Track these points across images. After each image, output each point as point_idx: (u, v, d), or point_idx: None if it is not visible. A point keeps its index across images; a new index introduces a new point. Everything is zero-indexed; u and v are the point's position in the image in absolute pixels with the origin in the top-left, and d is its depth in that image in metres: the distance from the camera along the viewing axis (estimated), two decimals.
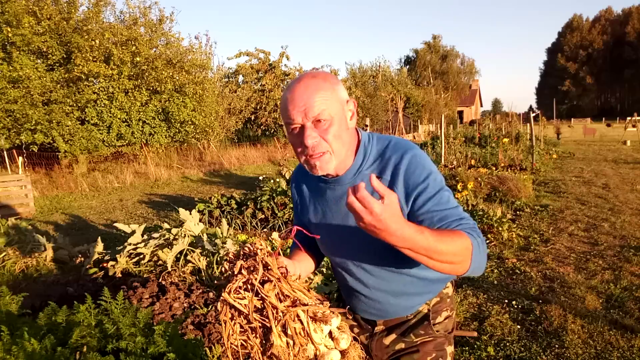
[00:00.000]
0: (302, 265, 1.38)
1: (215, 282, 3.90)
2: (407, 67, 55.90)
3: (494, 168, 10.26)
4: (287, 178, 8.11)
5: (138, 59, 13.16)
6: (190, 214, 4.78)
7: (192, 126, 15.18)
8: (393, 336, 1.40)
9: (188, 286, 3.72)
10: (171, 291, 3.53)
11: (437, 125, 26.14)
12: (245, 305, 1.02)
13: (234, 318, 1.04)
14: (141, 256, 4.49)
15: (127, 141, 14.00)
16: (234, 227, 6.14)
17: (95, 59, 12.34)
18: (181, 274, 4.00)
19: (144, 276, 4.26)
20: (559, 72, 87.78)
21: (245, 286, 1.03)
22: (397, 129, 24.58)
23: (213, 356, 2.01)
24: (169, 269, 4.08)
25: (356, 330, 1.47)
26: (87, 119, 12.97)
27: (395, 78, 35.61)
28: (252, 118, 21.58)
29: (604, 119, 56.56)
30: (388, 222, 0.90)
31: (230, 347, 1.04)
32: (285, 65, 22.37)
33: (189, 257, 4.18)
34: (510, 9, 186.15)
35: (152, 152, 14.85)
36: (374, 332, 1.43)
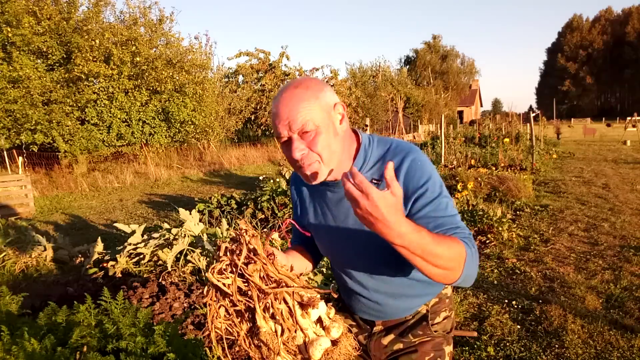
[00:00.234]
0: (297, 261, 1.38)
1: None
2: (407, 67, 55.90)
3: (494, 168, 10.26)
4: (287, 178, 8.11)
5: (138, 59, 13.16)
6: (190, 214, 4.78)
7: (192, 126, 15.18)
8: (391, 336, 1.41)
9: (188, 286, 3.72)
10: (171, 291, 3.53)
11: (437, 125, 26.14)
12: (228, 285, 1.01)
13: (219, 301, 1.03)
14: (141, 256, 4.50)
15: (127, 141, 14.00)
16: (234, 227, 6.14)
17: (95, 59, 12.34)
18: (181, 274, 4.00)
19: (144, 276, 4.26)
20: (559, 72, 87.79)
21: (230, 268, 1.02)
22: (397, 129, 24.59)
23: (213, 356, 2.01)
24: (169, 269, 4.08)
25: (355, 330, 1.47)
26: (87, 119, 12.97)
27: (395, 78, 35.62)
28: (252, 118, 21.58)
29: (604, 119, 56.57)
30: (384, 211, 0.88)
31: (215, 330, 1.03)
32: (285, 65, 22.38)
33: (189, 257, 4.19)
34: (510, 9, 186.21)
35: (152, 152, 14.85)
36: (373, 332, 1.44)
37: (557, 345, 3.04)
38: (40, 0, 12.07)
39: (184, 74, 14.45)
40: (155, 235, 4.65)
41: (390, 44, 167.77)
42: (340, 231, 1.32)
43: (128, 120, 13.74)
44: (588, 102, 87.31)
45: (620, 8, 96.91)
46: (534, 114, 13.08)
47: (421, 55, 61.71)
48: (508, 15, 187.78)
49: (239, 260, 1.02)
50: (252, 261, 1.03)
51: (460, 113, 53.57)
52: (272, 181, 7.74)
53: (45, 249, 4.90)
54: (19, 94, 11.07)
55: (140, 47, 13.13)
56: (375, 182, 1.24)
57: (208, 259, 4.21)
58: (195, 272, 4.11)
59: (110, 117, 13.22)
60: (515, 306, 3.67)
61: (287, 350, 1.04)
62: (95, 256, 4.65)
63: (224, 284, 1.02)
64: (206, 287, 1.05)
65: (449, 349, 1.41)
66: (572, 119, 60.67)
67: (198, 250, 4.25)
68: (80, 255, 4.95)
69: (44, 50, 11.99)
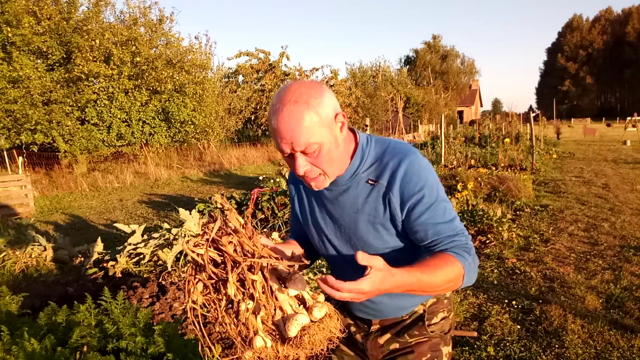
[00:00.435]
0: (288, 249, 1.38)
1: None
2: (407, 67, 55.87)
3: (494, 168, 10.26)
4: (287, 178, 8.09)
5: (138, 59, 13.16)
6: (190, 214, 4.78)
7: (192, 126, 15.18)
8: (388, 336, 1.40)
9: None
10: (171, 291, 3.53)
11: (437, 125, 26.14)
12: (202, 256, 1.02)
13: (197, 275, 1.03)
14: (141, 256, 4.50)
15: (127, 141, 14.00)
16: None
17: (95, 59, 12.34)
18: (181, 274, 4.00)
19: (144, 276, 4.26)
20: (559, 72, 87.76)
21: (207, 243, 1.03)
22: (397, 129, 24.59)
23: (213, 356, 2.01)
24: (169, 269, 4.08)
25: (353, 329, 1.47)
26: (87, 119, 12.97)
27: (395, 78, 35.61)
28: (252, 118, 21.57)
29: (604, 119, 56.55)
30: (380, 288, 0.98)
31: (192, 305, 1.03)
32: (285, 65, 22.39)
33: (189, 257, 4.18)
34: (511, 9, 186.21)
35: (152, 152, 14.85)
36: (370, 331, 1.44)
37: (557, 345, 3.04)
38: (40, 0, 12.07)
39: (184, 74, 14.45)
40: (155, 235, 4.65)
41: (390, 44, 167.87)
42: (336, 228, 1.33)
43: (128, 120, 13.74)
44: (588, 102, 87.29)
45: (620, 8, 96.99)
46: (534, 114, 13.08)
47: (421, 55, 61.69)
48: (508, 15, 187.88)
49: (211, 229, 1.03)
50: (226, 233, 1.03)
51: (460, 113, 53.56)
52: (272, 181, 7.74)
53: (45, 249, 4.90)
54: (19, 94, 11.06)
55: (140, 47, 13.13)
56: (371, 182, 1.24)
57: None
58: None
59: (110, 117, 13.22)
60: (515, 306, 3.67)
61: (267, 331, 1.03)
62: (95, 256, 4.65)
63: (198, 254, 1.02)
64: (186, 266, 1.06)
65: (446, 349, 1.40)
66: (572, 119, 60.66)
67: None
68: (80, 255, 4.95)
69: (44, 50, 11.99)
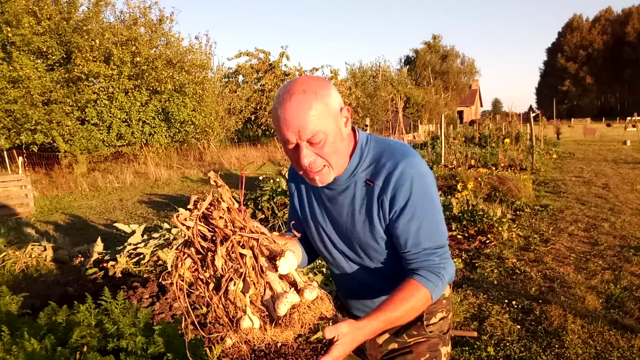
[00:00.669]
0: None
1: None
2: (407, 67, 55.85)
3: (494, 168, 10.26)
4: (287, 177, 8.09)
5: (138, 59, 13.16)
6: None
7: (192, 126, 15.18)
8: (386, 335, 1.40)
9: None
10: (171, 291, 3.53)
11: (437, 125, 26.15)
12: (191, 229, 1.01)
13: (185, 250, 1.03)
14: (141, 256, 4.50)
15: (127, 141, 14.00)
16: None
17: (95, 59, 12.34)
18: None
19: (144, 276, 4.26)
20: (559, 72, 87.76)
21: (197, 216, 1.03)
22: (397, 129, 24.59)
23: (213, 356, 2.01)
24: (169, 269, 4.07)
25: None
26: (87, 119, 12.97)
27: (395, 78, 35.62)
28: (252, 118, 21.58)
29: (604, 119, 56.55)
30: (353, 346, 1.04)
31: (178, 279, 1.01)
32: (285, 65, 22.40)
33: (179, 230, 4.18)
34: (510, 9, 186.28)
35: (152, 152, 14.85)
36: None
37: (557, 345, 3.04)
38: (40, 0, 12.07)
39: (184, 74, 14.45)
40: (155, 235, 4.65)
41: (390, 44, 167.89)
42: (335, 227, 1.33)
43: (128, 120, 13.74)
44: (588, 102, 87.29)
45: (620, 8, 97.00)
46: (534, 114, 13.09)
47: (421, 55, 61.68)
48: (508, 15, 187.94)
49: (201, 204, 1.02)
50: (217, 208, 1.03)
51: (460, 113, 53.56)
52: (272, 181, 7.74)
53: (45, 249, 4.90)
54: (19, 94, 11.06)
55: (141, 47, 13.13)
56: (368, 183, 1.24)
57: None
58: None
59: (110, 117, 13.22)
60: (515, 306, 3.67)
61: (255, 311, 1.01)
62: (95, 256, 4.65)
63: (187, 227, 1.01)
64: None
65: (445, 349, 1.40)
66: (572, 119, 60.66)
67: None
68: (80, 255, 4.95)
69: (44, 50, 12.00)
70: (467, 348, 3.04)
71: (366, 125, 13.39)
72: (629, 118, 27.23)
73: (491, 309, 3.61)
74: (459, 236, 5.57)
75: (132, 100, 13.43)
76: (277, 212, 6.33)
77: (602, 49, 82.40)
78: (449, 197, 6.68)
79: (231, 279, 1.01)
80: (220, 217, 1.02)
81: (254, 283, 1.01)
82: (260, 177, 9.76)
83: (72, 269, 4.75)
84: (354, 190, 1.26)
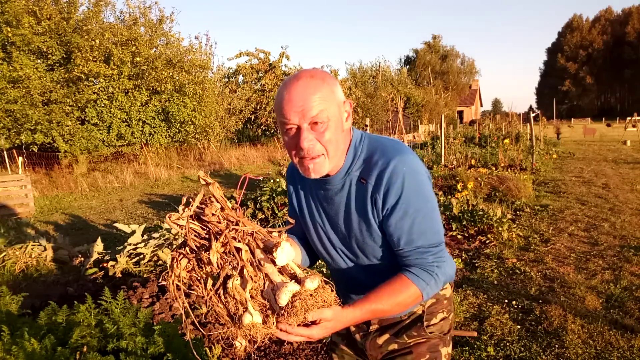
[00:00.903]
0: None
1: None
2: (407, 67, 55.82)
3: (494, 168, 10.26)
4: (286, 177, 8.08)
5: (138, 59, 13.16)
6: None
7: (192, 126, 15.19)
8: (386, 336, 1.40)
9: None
10: (170, 292, 3.52)
11: (437, 125, 26.15)
12: (183, 227, 1.01)
13: (180, 251, 1.03)
14: (141, 256, 4.50)
15: (127, 141, 14.00)
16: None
17: (95, 59, 12.34)
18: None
19: (144, 276, 4.26)
20: (559, 72, 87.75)
21: (188, 215, 1.03)
22: (397, 129, 24.58)
23: (213, 356, 2.01)
24: (168, 269, 4.07)
25: (352, 328, 1.47)
26: (87, 119, 12.97)
27: (395, 78, 35.61)
28: (252, 118, 21.58)
29: (604, 119, 56.55)
30: (334, 330, 1.08)
31: (174, 280, 1.01)
32: (285, 65, 22.41)
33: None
34: (510, 9, 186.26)
35: (152, 152, 14.85)
36: (369, 331, 1.43)
37: (557, 345, 3.04)
38: (40, 0, 12.07)
39: (184, 74, 14.45)
40: (155, 235, 4.65)
41: (390, 44, 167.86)
42: (332, 227, 1.33)
43: (128, 120, 13.75)
44: (588, 102, 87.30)
45: (620, 8, 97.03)
46: (534, 114, 13.09)
47: (421, 55, 61.66)
48: (508, 15, 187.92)
49: (192, 202, 1.03)
50: (208, 205, 1.03)
51: (460, 113, 53.56)
52: (272, 181, 7.74)
53: (45, 249, 4.90)
54: (19, 94, 11.07)
55: (140, 47, 13.14)
56: (362, 181, 1.23)
57: None
58: None
59: (110, 117, 13.22)
60: (515, 306, 3.67)
61: (256, 305, 1.00)
62: (95, 256, 4.65)
63: (180, 226, 1.01)
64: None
65: (445, 350, 1.39)
66: (572, 119, 60.67)
67: None
68: (80, 255, 4.95)
69: (44, 50, 12.00)
70: (467, 348, 3.04)
71: (366, 125, 13.39)
72: (629, 118, 27.24)
73: (491, 309, 3.61)
74: (459, 236, 5.57)
75: (132, 100, 13.43)
76: (277, 212, 6.33)
77: (602, 49, 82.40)
78: (449, 197, 6.68)
79: (229, 276, 1.00)
80: (213, 214, 1.02)
81: (252, 277, 1.00)
82: (261, 177, 9.76)
83: (72, 269, 4.75)
84: (348, 189, 1.26)
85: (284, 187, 7.20)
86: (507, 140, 13.13)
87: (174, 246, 1.09)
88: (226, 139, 20.09)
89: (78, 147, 12.70)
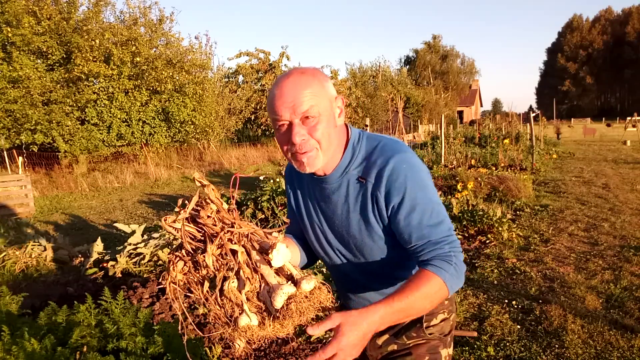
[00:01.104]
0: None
1: None
2: (407, 67, 55.83)
3: (494, 168, 10.26)
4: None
5: (138, 59, 13.16)
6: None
7: (192, 126, 15.18)
8: (386, 336, 1.39)
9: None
10: (167, 294, 3.52)
11: (437, 125, 26.15)
12: (179, 230, 1.01)
13: (177, 253, 1.03)
14: (141, 256, 4.50)
15: (127, 141, 14.00)
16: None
17: (95, 59, 12.34)
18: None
19: (144, 276, 4.27)
20: (559, 72, 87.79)
21: (183, 217, 1.03)
22: (397, 129, 24.58)
23: (213, 356, 2.01)
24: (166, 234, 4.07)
25: None
26: (87, 119, 12.97)
27: (395, 78, 35.60)
28: (252, 118, 21.58)
29: (604, 119, 56.55)
30: (358, 342, 0.97)
31: (171, 283, 1.01)
32: (285, 65, 22.39)
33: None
34: (511, 9, 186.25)
35: (152, 152, 14.85)
36: None
37: (557, 345, 3.04)
38: (40, 0, 12.07)
39: (184, 74, 14.45)
40: (155, 235, 4.65)
41: (390, 44, 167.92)
42: (330, 226, 1.32)
43: (128, 120, 13.74)
44: (588, 102, 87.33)
45: (620, 8, 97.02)
46: (534, 114, 13.09)
47: (421, 55, 61.67)
48: (508, 15, 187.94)
49: (187, 204, 1.03)
50: (204, 207, 1.03)
51: (460, 113, 53.56)
52: (272, 181, 7.74)
53: (45, 249, 4.90)
54: (19, 94, 11.06)
55: (140, 47, 13.13)
56: (361, 180, 1.23)
57: None
58: None
59: (110, 117, 13.22)
60: (515, 306, 3.67)
61: (253, 307, 1.00)
62: (95, 256, 4.65)
63: (175, 229, 1.01)
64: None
65: (446, 351, 1.38)
66: (572, 119, 60.68)
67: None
68: (80, 255, 4.95)
69: (44, 50, 11.99)
70: (467, 348, 3.04)
71: (366, 125, 13.39)
72: (629, 118, 27.24)
73: (491, 309, 3.61)
74: (459, 236, 5.57)
75: (132, 100, 13.43)
76: (277, 212, 6.33)
77: (602, 49, 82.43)
78: (449, 197, 6.68)
79: (225, 278, 1.00)
80: (209, 217, 1.02)
81: (248, 279, 1.00)
82: (261, 177, 9.75)
83: (72, 269, 4.75)
84: (346, 188, 1.25)
85: (284, 187, 7.20)
86: (507, 140, 13.13)
87: (172, 248, 1.09)
88: (226, 139, 20.09)
89: (78, 147, 12.69)
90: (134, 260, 4.47)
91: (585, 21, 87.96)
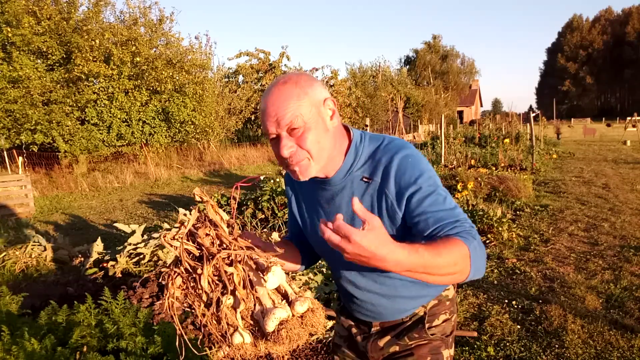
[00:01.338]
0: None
1: None
2: (407, 67, 55.83)
3: (494, 168, 10.27)
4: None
5: (138, 59, 13.16)
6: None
7: (192, 126, 15.18)
8: (388, 338, 1.39)
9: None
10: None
11: (437, 125, 26.15)
12: (177, 248, 1.02)
13: (176, 269, 1.03)
14: (141, 256, 4.50)
15: (127, 141, 14.00)
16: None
17: (95, 59, 12.34)
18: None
19: (144, 276, 4.26)
20: (559, 72, 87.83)
21: (183, 235, 1.03)
22: (397, 129, 24.59)
23: (213, 356, 2.01)
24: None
25: (354, 330, 1.46)
26: (87, 119, 12.97)
27: (395, 78, 35.60)
28: (252, 118, 21.57)
29: (604, 119, 56.57)
30: (373, 248, 0.85)
31: (170, 299, 1.02)
32: (285, 65, 22.37)
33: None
34: (511, 9, 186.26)
35: (152, 152, 14.85)
36: (370, 332, 1.42)
37: (557, 345, 3.04)
38: (40, 0, 12.07)
39: (184, 74, 14.44)
40: (155, 235, 4.65)
41: (390, 44, 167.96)
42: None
43: (128, 120, 13.74)
44: (588, 102, 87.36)
45: (620, 8, 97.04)
46: (534, 114, 13.09)
47: (421, 55, 61.67)
48: (508, 15, 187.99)
49: (187, 220, 1.03)
50: (204, 226, 1.04)
51: (460, 113, 53.55)
52: (272, 181, 7.74)
53: (45, 249, 4.90)
54: (19, 94, 11.06)
55: (140, 47, 13.13)
56: (365, 180, 1.22)
57: None
58: None
59: (110, 117, 13.22)
60: (515, 306, 3.67)
61: (247, 326, 1.01)
62: (95, 256, 4.65)
63: (174, 247, 1.02)
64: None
65: (447, 352, 1.38)
66: (572, 119, 60.67)
67: None
68: (80, 255, 4.95)
69: (44, 50, 11.99)
70: (467, 348, 3.04)
71: (366, 125, 13.40)
72: (629, 118, 27.26)
73: (491, 309, 3.61)
74: None
75: (132, 100, 13.43)
76: (277, 212, 6.33)
77: (602, 49, 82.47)
78: None
79: (222, 294, 1.01)
80: (207, 235, 1.02)
81: (243, 299, 1.01)
82: (261, 177, 9.75)
83: (72, 269, 4.75)
84: (350, 189, 1.24)
85: (284, 187, 7.20)
86: (507, 140, 13.14)
87: (170, 262, 1.09)
88: (226, 139, 20.08)
89: (78, 147, 12.69)
90: (134, 260, 4.47)
91: (585, 21, 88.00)
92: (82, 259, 4.84)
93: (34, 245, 4.95)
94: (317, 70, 23.14)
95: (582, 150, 17.61)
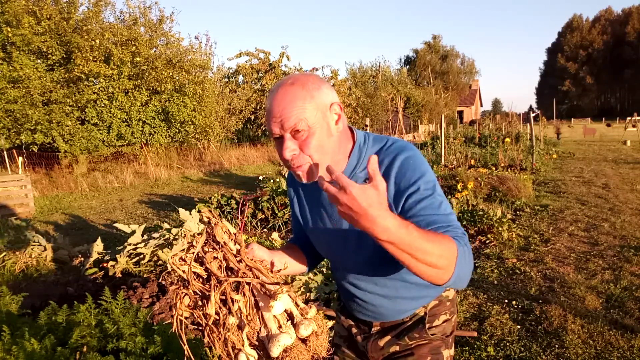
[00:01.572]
0: (285, 258, 1.35)
1: None
2: (407, 67, 55.82)
3: (494, 168, 10.27)
4: (287, 179, 8.09)
5: (138, 59, 13.16)
6: (190, 214, 4.78)
7: (192, 126, 15.18)
8: (388, 338, 1.39)
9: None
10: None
11: (437, 125, 26.15)
12: (184, 271, 1.02)
13: (183, 289, 1.04)
14: (141, 256, 4.50)
15: (127, 141, 14.00)
16: (234, 227, 6.13)
17: (95, 59, 12.34)
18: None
19: (144, 276, 4.27)
20: (559, 72, 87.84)
21: (191, 260, 1.04)
22: (397, 129, 24.60)
23: (213, 356, 2.01)
24: (169, 269, 4.07)
25: (354, 330, 1.46)
26: (87, 119, 12.97)
27: (395, 78, 35.61)
28: (252, 118, 21.58)
29: (604, 119, 56.56)
30: (365, 205, 0.84)
31: (178, 318, 1.03)
32: (285, 65, 22.38)
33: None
34: (511, 9, 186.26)
35: (152, 152, 14.85)
36: (371, 332, 1.42)
37: (557, 345, 3.04)
38: (40, 0, 12.07)
39: (184, 74, 14.44)
40: (155, 235, 4.65)
41: (390, 44, 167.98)
42: (334, 230, 1.31)
43: (128, 120, 13.75)
44: (588, 102, 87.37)
45: (620, 8, 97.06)
46: (534, 114, 13.09)
47: (421, 55, 61.66)
48: (508, 16, 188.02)
49: (196, 242, 1.03)
50: (212, 248, 1.04)
51: (460, 113, 53.55)
52: (272, 181, 7.74)
53: (45, 249, 4.90)
54: (19, 94, 11.07)
55: (140, 47, 13.13)
56: (368, 181, 1.22)
57: None
58: None
59: (110, 117, 13.22)
60: (515, 306, 3.67)
61: (252, 345, 1.02)
62: (95, 256, 4.65)
63: (182, 271, 1.02)
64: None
65: (447, 352, 1.38)
66: (572, 119, 60.68)
67: None
68: (80, 255, 4.95)
69: (44, 50, 11.99)
70: (467, 348, 3.04)
71: (366, 125, 13.40)
72: (629, 118, 27.27)
73: (491, 309, 3.61)
74: None
75: (132, 100, 13.43)
76: (277, 212, 6.33)
77: (602, 49, 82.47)
78: (449, 197, 6.68)
79: (229, 313, 1.02)
80: (215, 258, 1.02)
81: (249, 322, 1.02)
82: (261, 177, 9.75)
83: (72, 269, 4.75)
84: None
85: (284, 187, 7.20)
86: (507, 140, 13.13)
87: (177, 280, 1.10)
88: (226, 139, 20.09)
89: (78, 147, 12.70)
90: (134, 260, 4.47)
91: (585, 21, 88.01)
92: (82, 259, 4.84)
93: (34, 245, 4.95)
94: (317, 70, 23.16)
95: (582, 150, 17.60)
